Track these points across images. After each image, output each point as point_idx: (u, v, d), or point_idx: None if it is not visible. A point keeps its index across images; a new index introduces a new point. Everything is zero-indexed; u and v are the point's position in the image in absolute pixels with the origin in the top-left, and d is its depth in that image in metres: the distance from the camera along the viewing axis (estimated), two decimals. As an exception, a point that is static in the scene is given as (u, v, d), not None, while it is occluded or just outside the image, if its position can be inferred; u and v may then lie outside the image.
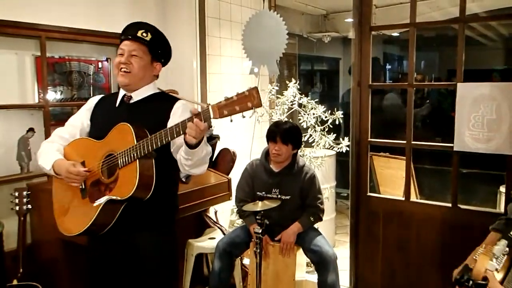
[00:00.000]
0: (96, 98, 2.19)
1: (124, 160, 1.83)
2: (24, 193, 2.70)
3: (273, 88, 4.19)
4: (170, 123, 1.88)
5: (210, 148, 1.88)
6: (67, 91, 3.22)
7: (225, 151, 3.68)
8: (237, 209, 3.14)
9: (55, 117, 3.14)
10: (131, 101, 2.06)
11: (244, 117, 1.60)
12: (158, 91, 2.13)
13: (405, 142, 2.97)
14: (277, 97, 4.08)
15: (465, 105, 2.65)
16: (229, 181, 3.38)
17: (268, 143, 2.98)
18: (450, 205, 2.83)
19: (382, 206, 3.13)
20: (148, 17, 3.75)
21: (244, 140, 3.99)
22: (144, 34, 2.00)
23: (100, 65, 3.41)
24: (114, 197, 1.85)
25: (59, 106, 3.21)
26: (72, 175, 1.92)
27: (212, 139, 3.41)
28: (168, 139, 1.74)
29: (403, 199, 3.10)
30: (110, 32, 3.32)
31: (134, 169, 1.80)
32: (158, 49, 2.07)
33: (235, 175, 3.40)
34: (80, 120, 2.13)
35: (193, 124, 1.65)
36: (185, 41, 3.82)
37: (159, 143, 1.76)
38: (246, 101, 1.56)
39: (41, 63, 2.99)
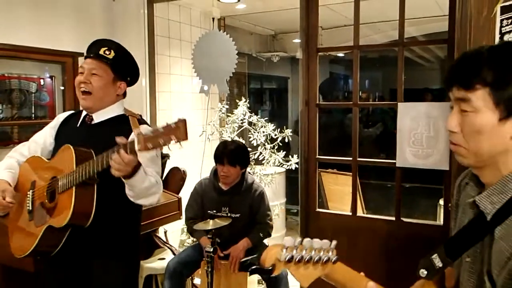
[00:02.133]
0: (64, 115, 2.10)
1: (63, 185, 1.75)
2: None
3: (223, 107, 4.22)
4: None
5: (154, 179, 1.78)
6: (7, 110, 3.09)
7: (175, 170, 3.65)
8: (187, 227, 3.11)
9: (-6, 137, 3.01)
10: (92, 123, 1.97)
11: (170, 150, 1.47)
12: (122, 113, 2.00)
13: (351, 159, 3.07)
14: (227, 116, 4.11)
15: (405, 123, 2.79)
16: (179, 200, 3.35)
17: (216, 165, 3.00)
18: (394, 218, 2.95)
19: (330, 222, 3.20)
20: (95, 35, 3.69)
21: (194, 158, 3.98)
22: (107, 52, 1.91)
23: (42, 83, 3.30)
24: (52, 225, 1.77)
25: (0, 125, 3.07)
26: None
27: (162, 158, 3.37)
28: (99, 168, 1.63)
29: (350, 214, 3.19)
30: (54, 50, 3.25)
31: (70, 196, 1.71)
32: (122, 67, 1.96)
33: (185, 194, 3.37)
34: (43, 138, 2.04)
35: (117, 156, 1.54)
36: (133, 59, 3.79)
37: (91, 172, 1.65)
38: (171, 134, 1.43)
39: (-20, 80, 2.87)
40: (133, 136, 1.70)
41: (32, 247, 1.82)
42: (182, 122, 1.44)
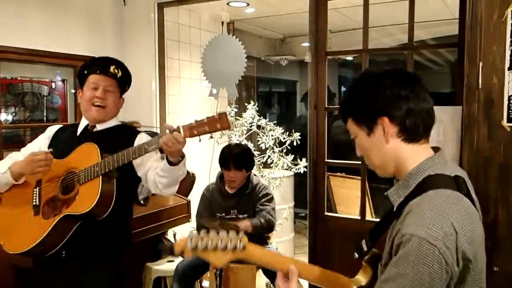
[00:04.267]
0: (55, 127, 2.17)
1: (86, 176, 1.84)
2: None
3: (232, 110, 4.23)
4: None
5: (186, 170, 1.92)
6: (20, 112, 3.13)
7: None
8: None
9: (7, 140, 3.04)
10: (94, 130, 2.06)
11: (212, 137, 1.77)
12: (119, 123, 2.14)
13: (360, 162, 3.07)
14: (236, 119, 4.13)
15: (415, 127, 2.79)
16: (188, 202, 3.37)
17: (222, 169, 3.00)
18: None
19: (339, 226, 3.20)
20: (106, 39, 3.74)
21: (203, 161, 4.00)
22: (116, 70, 2.03)
23: (54, 86, 3.34)
24: (71, 213, 1.83)
25: (13, 128, 3.11)
26: (39, 161, 1.87)
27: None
28: (135, 156, 1.80)
29: (359, 218, 3.18)
30: (66, 54, 3.29)
31: (96, 184, 1.81)
32: (126, 85, 2.11)
33: (194, 196, 3.39)
34: (38, 147, 2.09)
35: (171, 137, 1.69)
36: (144, 63, 3.82)
37: (125, 160, 1.80)
38: (216, 123, 1.68)
39: (-6, 84, 2.92)
40: (141, 139, 2.00)
41: (38, 240, 1.84)
42: (224, 114, 1.69)
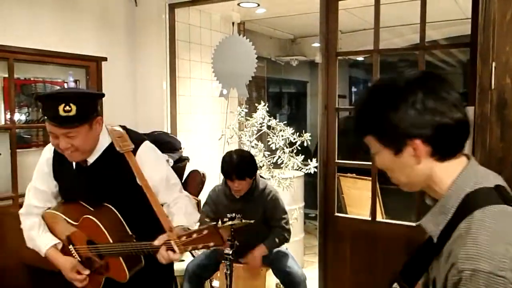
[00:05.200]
0: (49, 152, 1.95)
1: (107, 253, 1.84)
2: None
3: (243, 110, 4.24)
4: (147, 174, 1.81)
5: (189, 203, 1.94)
6: (34, 112, 3.17)
7: (194, 172, 3.67)
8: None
9: (21, 140, 3.08)
10: (88, 164, 1.87)
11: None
12: (108, 140, 1.87)
13: (370, 163, 3.05)
14: (247, 119, 4.13)
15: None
16: (199, 202, 3.37)
17: (225, 179, 2.96)
18: (414, 224, 2.92)
19: (349, 227, 3.19)
20: (118, 39, 3.77)
21: (213, 161, 4.01)
22: (68, 108, 1.67)
23: (66, 86, 3.38)
24: (114, 278, 1.86)
25: (26, 127, 3.15)
26: (76, 281, 1.89)
27: (182, 161, 3.41)
28: (143, 253, 1.78)
29: (370, 219, 3.17)
30: (78, 54, 3.32)
31: (120, 263, 1.81)
32: (89, 111, 1.75)
33: (205, 196, 3.40)
34: (47, 185, 1.96)
35: (166, 254, 1.67)
36: (155, 64, 3.85)
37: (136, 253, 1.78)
38: (209, 240, 1.61)
39: (9, 84, 2.95)
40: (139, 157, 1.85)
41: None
42: (214, 227, 1.61)
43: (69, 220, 1.90)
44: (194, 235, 1.60)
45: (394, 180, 1.10)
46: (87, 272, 1.89)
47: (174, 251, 1.64)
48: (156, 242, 1.68)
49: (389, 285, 1.10)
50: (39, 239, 1.93)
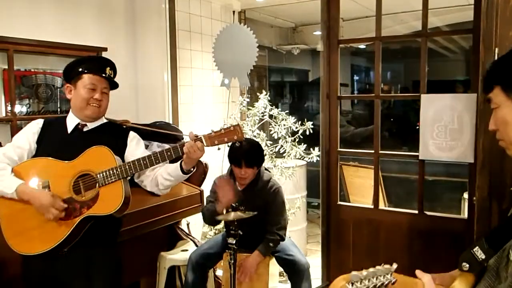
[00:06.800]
0: (40, 121, 2.14)
1: (106, 178, 1.94)
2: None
3: (244, 100, 4.23)
4: (129, 151, 2.12)
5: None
6: (34, 104, 3.17)
7: (197, 163, 3.68)
8: (204, 217, 3.04)
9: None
10: (85, 129, 2.11)
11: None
12: (106, 121, 2.21)
13: (373, 151, 3.05)
14: (248, 109, 4.12)
15: (429, 115, 2.76)
16: (201, 192, 3.38)
17: (232, 166, 2.93)
18: (416, 212, 2.92)
19: (352, 215, 3.20)
20: (118, 29, 3.75)
21: (215, 152, 4.01)
22: (111, 72, 2.12)
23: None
24: (95, 214, 1.93)
25: (27, 119, 3.14)
26: (53, 213, 1.89)
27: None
28: (158, 161, 1.96)
29: (372, 207, 3.17)
30: (78, 45, 3.31)
31: (119, 187, 1.94)
32: (114, 86, 2.16)
33: (207, 186, 3.40)
34: (27, 142, 2.07)
35: (194, 145, 1.91)
36: (155, 54, 3.83)
37: (149, 165, 1.96)
38: (233, 134, 1.92)
39: (9, 76, 2.94)
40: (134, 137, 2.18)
41: (60, 239, 1.91)
42: (238, 126, 1.94)
43: (59, 161, 2.00)
44: (222, 131, 1.92)
45: (505, 138, 1.13)
46: (65, 205, 1.92)
47: (202, 142, 1.92)
48: (191, 135, 1.95)
49: (470, 249, 1.08)
50: (8, 178, 1.96)
